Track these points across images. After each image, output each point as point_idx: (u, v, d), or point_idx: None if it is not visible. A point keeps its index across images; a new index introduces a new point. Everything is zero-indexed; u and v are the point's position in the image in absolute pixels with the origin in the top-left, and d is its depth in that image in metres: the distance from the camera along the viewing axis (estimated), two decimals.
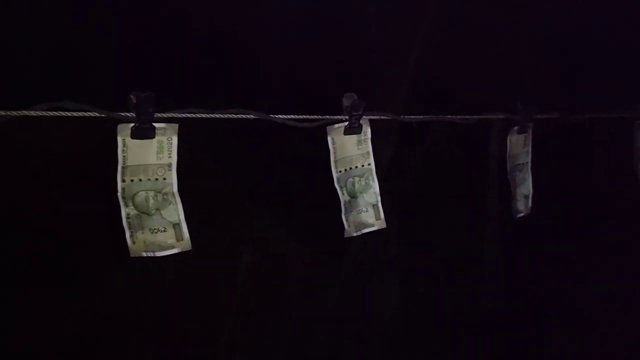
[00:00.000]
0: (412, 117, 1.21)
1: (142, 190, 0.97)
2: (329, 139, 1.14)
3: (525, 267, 1.71)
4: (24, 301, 1.04)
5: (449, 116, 1.26)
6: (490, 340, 1.70)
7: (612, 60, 1.67)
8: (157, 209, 0.97)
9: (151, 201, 0.97)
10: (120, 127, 0.94)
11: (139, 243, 0.94)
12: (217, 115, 1.03)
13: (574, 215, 1.64)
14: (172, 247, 0.97)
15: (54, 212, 1.03)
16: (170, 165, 0.99)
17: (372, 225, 1.21)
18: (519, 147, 1.38)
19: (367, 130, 1.19)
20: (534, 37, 1.60)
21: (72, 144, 1.03)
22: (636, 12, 1.63)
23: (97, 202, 1.04)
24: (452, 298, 1.66)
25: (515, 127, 1.34)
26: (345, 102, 1.14)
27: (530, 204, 1.44)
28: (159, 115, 0.97)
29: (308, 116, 1.11)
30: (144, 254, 0.95)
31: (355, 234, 1.19)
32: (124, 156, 0.95)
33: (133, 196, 0.96)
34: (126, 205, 0.95)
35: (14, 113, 0.87)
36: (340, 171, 1.17)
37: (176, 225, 0.98)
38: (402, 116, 1.21)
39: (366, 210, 1.21)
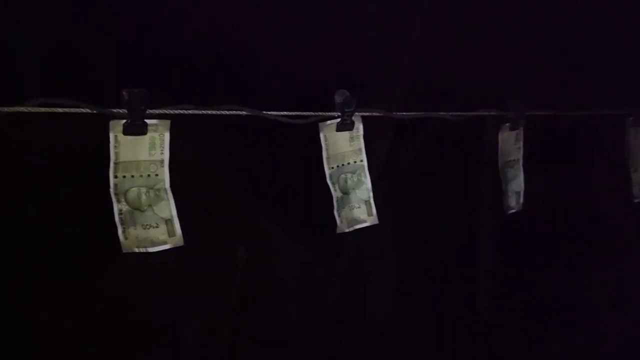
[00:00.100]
0: (404, 113, 1.22)
1: (134, 187, 0.97)
2: (321, 135, 1.14)
3: (519, 262, 1.72)
4: (14, 297, 1.04)
5: (441, 113, 1.26)
6: (485, 334, 1.71)
7: (604, 58, 1.68)
8: (150, 205, 0.98)
9: (143, 197, 0.97)
10: (112, 123, 0.94)
11: (131, 239, 0.95)
12: (209, 112, 1.04)
13: (566, 211, 1.65)
14: (164, 242, 0.97)
15: (46, 208, 1.03)
16: (162, 161, 0.99)
17: (365, 221, 1.22)
18: (511, 143, 1.38)
19: (360, 127, 1.19)
20: (529, 36, 1.61)
21: (65, 140, 1.03)
22: (631, 12, 1.64)
23: (90, 198, 1.04)
24: (447, 293, 1.66)
25: (507, 124, 1.35)
26: (337, 98, 1.14)
27: (521, 200, 1.45)
28: (151, 111, 0.98)
29: (301, 113, 1.12)
30: (136, 250, 0.95)
31: (347, 230, 1.20)
32: (116, 152, 0.95)
33: (125, 192, 0.96)
34: (118, 202, 0.95)
35: (5, 109, 0.87)
36: (332, 167, 1.17)
37: (168, 221, 0.98)
38: (393, 113, 1.21)
39: (358, 207, 1.21)
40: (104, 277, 1.08)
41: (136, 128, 0.96)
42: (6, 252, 1.02)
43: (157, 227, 0.97)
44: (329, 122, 1.15)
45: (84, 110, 0.94)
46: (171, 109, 1.00)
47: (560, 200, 1.63)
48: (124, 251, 0.94)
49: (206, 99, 1.11)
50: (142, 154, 0.98)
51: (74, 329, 1.09)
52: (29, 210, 1.02)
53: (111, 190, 0.95)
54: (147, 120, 0.97)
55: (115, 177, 0.95)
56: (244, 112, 1.05)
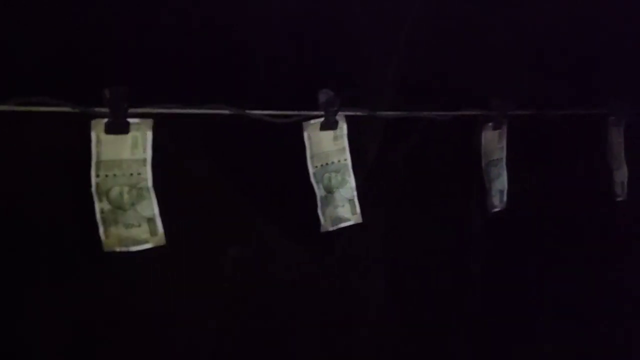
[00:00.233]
0: (388, 112, 1.23)
1: (116, 185, 0.97)
2: (305, 134, 1.15)
3: (508, 261, 1.73)
4: None
5: (425, 112, 1.27)
6: (476, 333, 1.72)
7: (587, 56, 1.69)
8: (132, 204, 0.98)
9: (126, 196, 0.97)
10: (93, 122, 0.94)
11: (113, 238, 0.95)
12: (192, 111, 1.04)
13: (547, 211, 1.66)
14: (146, 242, 0.97)
15: (26, 208, 1.03)
16: (145, 160, 0.99)
17: (349, 220, 1.23)
18: (494, 142, 1.39)
19: (343, 126, 1.20)
20: (516, 34, 1.62)
21: (46, 138, 1.02)
22: (615, 12, 1.66)
23: (72, 197, 1.03)
24: (437, 293, 1.67)
25: (490, 123, 1.36)
26: (321, 97, 1.15)
27: (505, 198, 1.46)
28: (133, 110, 0.98)
29: (284, 112, 1.12)
30: (117, 249, 0.95)
31: (331, 229, 1.20)
32: (97, 151, 0.95)
33: (107, 191, 0.96)
34: (100, 200, 0.95)
35: None
36: (316, 166, 1.18)
37: (150, 220, 0.98)
38: (377, 112, 1.22)
39: (342, 205, 1.22)
40: (85, 277, 1.07)
41: (118, 127, 0.96)
42: None
43: (139, 226, 0.97)
44: (312, 121, 1.15)
45: (64, 110, 0.94)
46: (154, 108, 1.00)
47: (541, 199, 1.64)
48: (104, 250, 0.94)
49: (195, 97, 1.11)
50: (125, 152, 0.98)
51: (55, 331, 1.08)
52: (8, 210, 1.01)
53: (93, 189, 0.95)
54: (130, 119, 0.97)
55: (97, 176, 0.95)
56: (226, 111, 1.05)
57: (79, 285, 1.07)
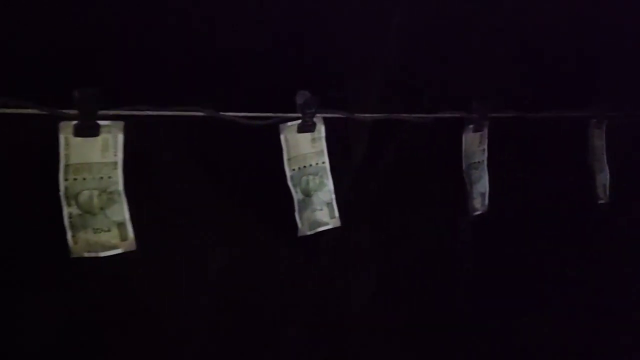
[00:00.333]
0: (366, 115, 1.21)
1: (86, 189, 0.94)
2: (282, 137, 1.13)
3: (494, 264, 1.73)
4: None
5: (404, 115, 1.25)
6: (463, 334, 1.71)
7: (569, 58, 1.69)
8: (102, 208, 0.95)
9: (95, 200, 0.95)
10: (62, 124, 0.92)
11: (81, 243, 0.92)
12: (165, 113, 1.02)
13: (529, 213, 1.66)
14: (116, 247, 0.95)
15: None
16: (116, 163, 0.97)
17: (327, 224, 1.21)
18: (475, 145, 1.38)
19: (321, 129, 1.18)
20: (501, 36, 1.61)
21: (14, 141, 1.00)
22: (597, 14, 1.66)
23: (41, 201, 1.01)
24: (425, 295, 1.66)
25: (471, 125, 1.35)
26: (298, 99, 1.13)
27: (487, 201, 1.45)
28: (104, 112, 0.96)
29: (260, 114, 1.10)
30: (86, 254, 0.93)
31: (309, 233, 1.19)
32: (66, 154, 0.93)
33: (76, 195, 0.94)
34: (69, 205, 0.93)
35: None
36: (293, 169, 1.16)
37: (121, 225, 0.96)
38: (355, 114, 1.20)
39: (321, 209, 1.20)
40: (53, 284, 1.05)
41: (88, 129, 0.94)
42: None
43: (108, 231, 0.95)
44: (289, 123, 1.14)
45: (32, 112, 0.91)
46: (125, 110, 0.97)
47: (523, 202, 1.63)
48: (72, 256, 0.91)
49: (170, 99, 1.09)
50: (95, 156, 0.95)
51: (19, 338, 1.06)
52: None
53: (61, 193, 0.92)
54: (100, 122, 0.95)
55: (66, 179, 0.93)
56: (199, 113, 1.03)
57: (45, 292, 1.04)
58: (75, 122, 0.92)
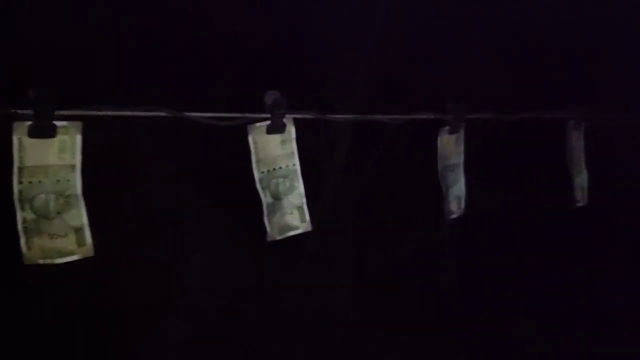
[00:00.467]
0: (338, 116, 1.18)
1: (41, 193, 0.91)
2: (250, 138, 1.10)
3: (476, 263, 1.72)
4: None
5: (377, 116, 1.23)
6: (444, 334, 1.70)
7: (548, 60, 1.68)
8: (58, 213, 0.91)
9: (52, 204, 0.91)
10: (15, 125, 0.88)
11: (35, 249, 0.88)
12: (126, 113, 0.98)
13: (506, 215, 1.64)
14: (72, 253, 0.91)
15: None
16: (74, 166, 0.93)
17: (297, 228, 1.18)
18: (451, 147, 1.36)
19: (292, 130, 1.15)
20: (480, 38, 1.60)
21: None
22: (576, 15, 1.65)
23: None
24: (406, 296, 1.65)
25: (446, 127, 1.32)
26: (267, 99, 1.10)
27: (463, 205, 1.43)
28: (61, 112, 0.92)
29: (227, 114, 1.07)
30: (40, 261, 0.89)
31: (278, 237, 1.15)
32: (20, 156, 0.89)
33: (31, 199, 0.90)
34: (22, 209, 0.89)
35: None
36: (262, 172, 1.13)
37: (78, 230, 0.92)
38: (327, 115, 1.17)
39: (291, 213, 1.17)
40: (9, 291, 1.01)
41: (43, 130, 0.90)
42: None
43: (65, 236, 0.91)
44: (257, 124, 1.10)
45: None
46: (83, 111, 0.94)
47: (501, 204, 1.62)
48: (26, 263, 0.87)
49: (133, 99, 1.05)
50: (51, 158, 0.91)
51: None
52: None
53: (15, 197, 0.88)
54: (56, 122, 0.91)
55: (20, 182, 0.89)
56: (163, 113, 1.00)
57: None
58: (29, 122, 0.89)
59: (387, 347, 1.64)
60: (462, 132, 1.36)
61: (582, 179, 1.59)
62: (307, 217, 1.18)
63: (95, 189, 0.96)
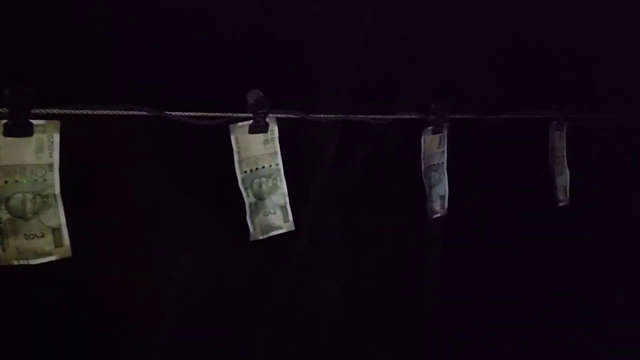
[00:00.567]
0: (322, 116, 1.17)
1: (18, 193, 0.89)
2: (232, 137, 1.09)
3: (462, 261, 1.72)
4: None
5: (361, 116, 1.22)
6: (431, 331, 1.70)
7: (531, 60, 1.68)
8: (35, 213, 0.90)
9: (28, 204, 0.89)
10: None
11: (11, 250, 0.86)
12: (105, 112, 0.96)
13: (489, 215, 1.65)
14: (49, 254, 0.89)
15: None
16: (51, 165, 0.91)
17: (280, 228, 1.17)
18: (434, 147, 1.36)
19: (274, 129, 1.14)
20: (465, 39, 1.60)
21: None
22: (560, 13, 1.65)
23: None
24: (394, 293, 1.65)
25: (430, 127, 1.32)
26: (249, 99, 1.09)
27: (446, 204, 1.43)
28: (39, 111, 0.90)
29: (208, 113, 1.06)
30: (15, 262, 0.87)
31: (261, 237, 1.14)
32: None
33: (7, 199, 0.88)
34: None
35: None
36: (245, 172, 1.11)
37: (56, 230, 0.90)
38: (310, 115, 1.16)
39: (274, 212, 1.16)
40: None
41: (19, 129, 0.88)
42: None
43: (42, 236, 0.89)
44: (240, 123, 1.09)
45: None
46: (60, 109, 0.92)
47: (484, 203, 1.62)
48: (0, 264, 0.85)
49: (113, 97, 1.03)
50: (28, 156, 0.90)
51: None
52: None
53: None
54: (33, 121, 0.89)
55: None
56: (143, 112, 0.98)
57: None
58: (5, 121, 0.87)
59: (376, 345, 1.64)
60: (445, 132, 1.36)
61: (564, 179, 1.60)
62: (290, 217, 1.17)
63: (76, 188, 0.95)
